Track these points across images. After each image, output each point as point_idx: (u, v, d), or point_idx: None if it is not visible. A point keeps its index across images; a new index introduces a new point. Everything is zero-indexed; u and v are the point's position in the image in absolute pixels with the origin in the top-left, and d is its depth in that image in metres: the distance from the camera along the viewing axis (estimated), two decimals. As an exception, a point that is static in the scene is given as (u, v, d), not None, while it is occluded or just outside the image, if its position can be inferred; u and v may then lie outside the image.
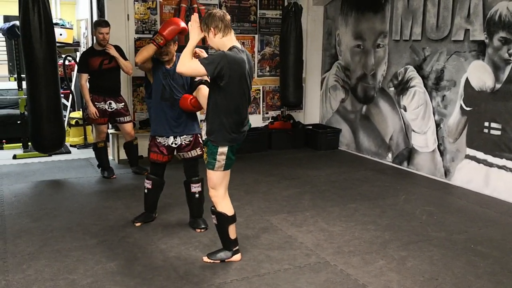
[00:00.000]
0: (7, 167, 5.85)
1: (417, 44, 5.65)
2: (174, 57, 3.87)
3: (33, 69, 4.90)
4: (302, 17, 6.71)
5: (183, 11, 5.34)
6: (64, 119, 7.47)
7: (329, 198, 4.82)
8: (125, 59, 5.37)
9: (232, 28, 3.18)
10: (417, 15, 5.61)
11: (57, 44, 8.15)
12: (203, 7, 5.52)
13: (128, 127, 5.49)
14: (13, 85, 7.30)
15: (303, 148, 7.02)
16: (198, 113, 4.00)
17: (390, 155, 6.20)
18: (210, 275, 3.22)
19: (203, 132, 3.26)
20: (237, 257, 3.42)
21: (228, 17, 3.13)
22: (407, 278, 3.23)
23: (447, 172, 5.38)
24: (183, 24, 3.78)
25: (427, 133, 5.61)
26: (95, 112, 5.25)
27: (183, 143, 3.91)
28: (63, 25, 8.42)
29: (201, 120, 3.59)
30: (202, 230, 3.93)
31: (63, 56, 7.62)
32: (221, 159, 3.17)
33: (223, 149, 3.16)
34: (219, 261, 3.38)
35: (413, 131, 5.80)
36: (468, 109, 5.11)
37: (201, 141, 3.86)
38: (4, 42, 8.39)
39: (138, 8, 6.11)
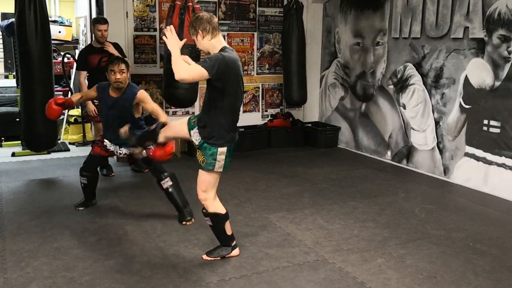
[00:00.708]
0: (5, 164, 5.84)
1: (417, 42, 5.65)
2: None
3: (28, 67, 4.85)
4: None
5: (177, 9, 5.32)
6: (63, 116, 7.49)
7: (328, 196, 4.82)
8: (124, 56, 5.35)
9: (220, 30, 3.21)
10: (417, 12, 5.61)
11: (56, 42, 8.22)
12: (197, 6, 5.50)
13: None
14: (12, 82, 7.29)
15: (302, 146, 7.02)
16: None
17: (389, 153, 6.20)
18: (208, 273, 3.21)
19: (196, 136, 3.23)
20: (236, 251, 3.43)
21: (216, 19, 3.15)
22: (406, 276, 3.23)
23: (446, 170, 5.38)
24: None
25: (426, 131, 5.61)
26: (94, 110, 5.24)
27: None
28: (62, 22, 8.41)
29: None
30: (189, 223, 3.98)
31: (62, 53, 7.61)
32: (221, 159, 3.17)
33: (223, 149, 3.17)
34: (219, 258, 3.39)
35: (412, 129, 5.80)
36: (467, 107, 5.10)
37: None
38: (1, 40, 8.38)
39: (137, 5, 6.09)
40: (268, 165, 5.98)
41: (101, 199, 4.68)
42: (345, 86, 6.89)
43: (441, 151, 5.44)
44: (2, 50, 8.31)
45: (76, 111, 7.25)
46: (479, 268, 3.34)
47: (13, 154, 6.21)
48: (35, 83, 4.95)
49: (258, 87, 7.03)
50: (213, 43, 3.12)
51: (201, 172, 3.24)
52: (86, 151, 6.45)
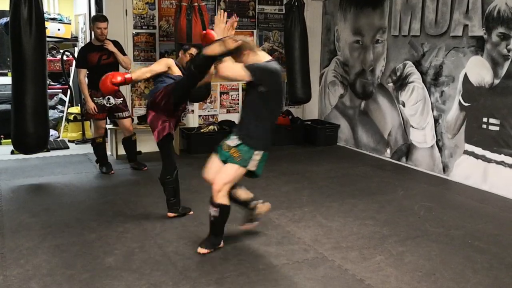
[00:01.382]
0: (4, 162, 5.84)
1: (416, 40, 5.65)
2: None
3: (20, 64, 4.71)
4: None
5: (183, 10, 5.31)
6: (62, 114, 7.49)
7: (328, 194, 4.83)
8: (124, 54, 5.36)
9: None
10: (416, 10, 5.60)
11: (55, 39, 8.20)
12: (203, 3, 5.50)
13: (127, 122, 5.49)
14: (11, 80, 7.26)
15: (301, 143, 7.02)
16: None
17: (388, 150, 6.20)
18: (208, 270, 3.22)
19: (235, 141, 3.34)
20: (222, 243, 3.55)
21: (253, 42, 3.47)
22: (405, 273, 3.23)
23: (445, 168, 5.39)
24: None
25: (425, 129, 5.61)
26: (94, 108, 5.24)
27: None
28: (61, 20, 8.39)
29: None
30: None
31: (61, 51, 7.61)
32: (256, 159, 3.36)
33: (260, 152, 3.38)
34: (213, 250, 3.45)
35: (412, 126, 5.80)
36: (466, 104, 5.11)
37: None
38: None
39: (136, 3, 6.09)
40: (267, 163, 5.94)
41: (100, 196, 4.69)
42: (344, 84, 6.89)
43: (440, 149, 5.44)
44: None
45: (76, 109, 7.25)
46: (478, 265, 3.35)
47: (12, 152, 6.20)
48: (27, 82, 4.73)
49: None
50: (257, 57, 3.33)
51: (231, 166, 3.35)
52: (85, 149, 6.48)
